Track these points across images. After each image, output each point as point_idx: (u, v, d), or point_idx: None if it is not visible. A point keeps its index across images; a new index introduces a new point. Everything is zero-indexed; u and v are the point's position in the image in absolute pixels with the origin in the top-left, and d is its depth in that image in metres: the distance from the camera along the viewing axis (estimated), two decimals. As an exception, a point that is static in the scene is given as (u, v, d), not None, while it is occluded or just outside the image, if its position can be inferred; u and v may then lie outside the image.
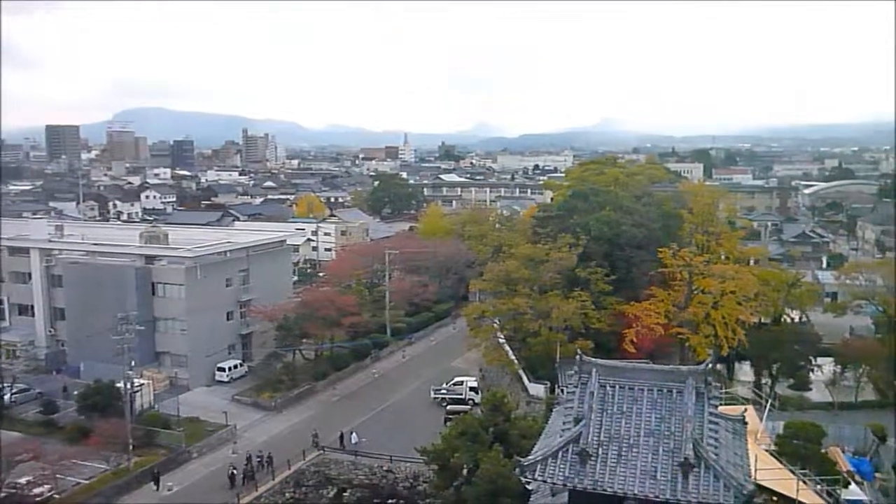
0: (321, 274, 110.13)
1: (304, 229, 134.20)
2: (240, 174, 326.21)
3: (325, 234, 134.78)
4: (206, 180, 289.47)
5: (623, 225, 76.88)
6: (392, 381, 78.22)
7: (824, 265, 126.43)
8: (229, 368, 75.69)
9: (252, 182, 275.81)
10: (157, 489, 54.07)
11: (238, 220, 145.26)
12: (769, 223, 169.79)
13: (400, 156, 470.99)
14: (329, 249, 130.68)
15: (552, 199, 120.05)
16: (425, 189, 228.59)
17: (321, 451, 60.24)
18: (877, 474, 53.18)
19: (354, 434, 62.13)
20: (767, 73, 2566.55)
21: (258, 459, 57.47)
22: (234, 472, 55.53)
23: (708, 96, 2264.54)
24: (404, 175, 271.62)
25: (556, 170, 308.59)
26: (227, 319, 78.52)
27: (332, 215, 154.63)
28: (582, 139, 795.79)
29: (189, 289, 74.12)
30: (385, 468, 58.13)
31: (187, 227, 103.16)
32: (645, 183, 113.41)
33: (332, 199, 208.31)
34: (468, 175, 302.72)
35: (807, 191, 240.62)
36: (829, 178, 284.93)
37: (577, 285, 71.11)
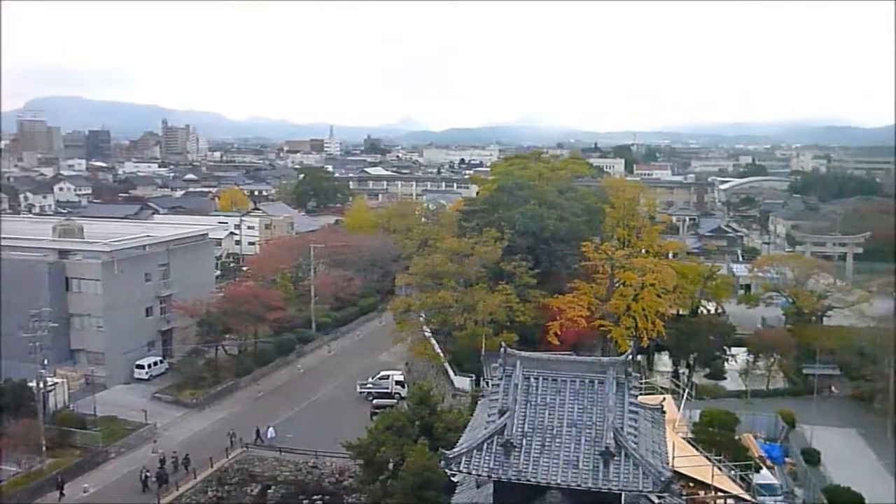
0: (245, 268, 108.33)
1: (227, 223, 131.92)
2: (159, 166, 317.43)
3: (249, 227, 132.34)
4: (124, 172, 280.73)
5: (547, 219, 78.03)
6: (317, 376, 77.60)
7: (738, 258, 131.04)
8: (149, 366, 73.76)
9: (172, 174, 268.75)
10: (61, 497, 51.48)
11: (158, 213, 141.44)
12: (687, 218, 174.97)
13: (325, 149, 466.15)
14: (253, 243, 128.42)
15: (478, 193, 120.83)
16: (351, 182, 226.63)
17: (245, 449, 59.36)
18: (787, 459, 55.56)
19: (271, 429, 61.31)
20: (686, 72, 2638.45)
21: (173, 460, 55.90)
22: (147, 475, 53.72)
23: (630, 94, 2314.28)
24: (330, 168, 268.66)
25: (481, 164, 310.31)
26: (147, 315, 76.46)
27: (256, 209, 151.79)
28: (507, 134, 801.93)
29: (106, 284, 71.86)
30: (310, 464, 57.68)
31: (104, 221, 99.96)
32: (568, 177, 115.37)
33: (256, 193, 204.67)
34: (394, 169, 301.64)
35: (722, 187, 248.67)
36: (743, 175, 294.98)
37: (502, 279, 71.88)
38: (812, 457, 56.18)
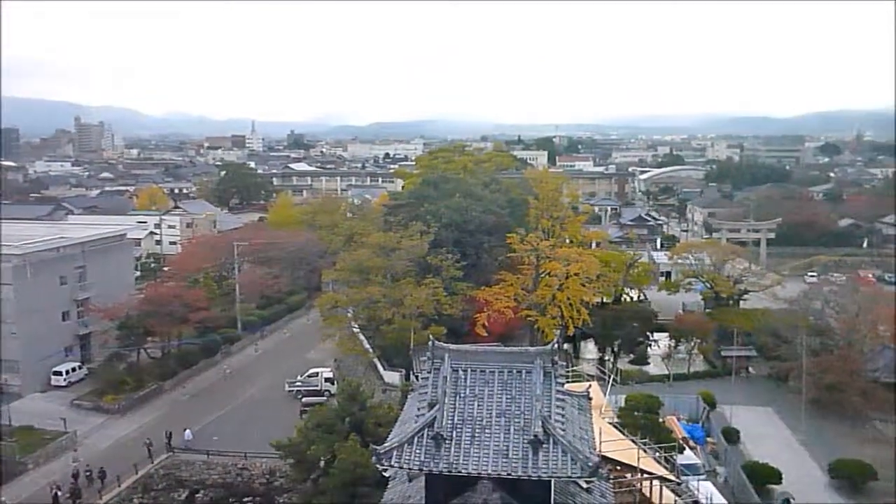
0: (166, 268, 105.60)
1: (146, 222, 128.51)
2: (73, 164, 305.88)
3: (170, 226, 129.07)
4: (35, 171, 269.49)
5: (472, 211, 78.57)
6: (245, 376, 76.36)
7: (658, 246, 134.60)
8: (67, 372, 71.19)
9: (87, 173, 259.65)
10: None
11: (72, 213, 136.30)
12: (609, 208, 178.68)
13: (247, 145, 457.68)
14: (174, 243, 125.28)
15: (403, 187, 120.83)
16: (275, 179, 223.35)
17: (171, 453, 57.99)
18: (708, 439, 57.47)
19: (188, 432, 59.86)
20: (606, 66, 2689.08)
21: (87, 474, 53.71)
22: (58, 491, 51.17)
23: (552, 87, 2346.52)
24: (252, 164, 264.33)
25: (406, 158, 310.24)
26: (63, 320, 73.80)
27: (177, 207, 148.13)
28: (432, 128, 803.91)
29: (18, 289, 68.97)
30: (240, 466, 56.76)
31: (14, 222, 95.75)
32: (493, 170, 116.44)
33: (176, 191, 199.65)
34: (319, 164, 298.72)
35: (642, 176, 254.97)
36: (661, 165, 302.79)
37: (429, 272, 72.07)
38: (732, 435, 58.28)
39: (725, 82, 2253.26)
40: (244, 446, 57.44)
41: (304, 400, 66.43)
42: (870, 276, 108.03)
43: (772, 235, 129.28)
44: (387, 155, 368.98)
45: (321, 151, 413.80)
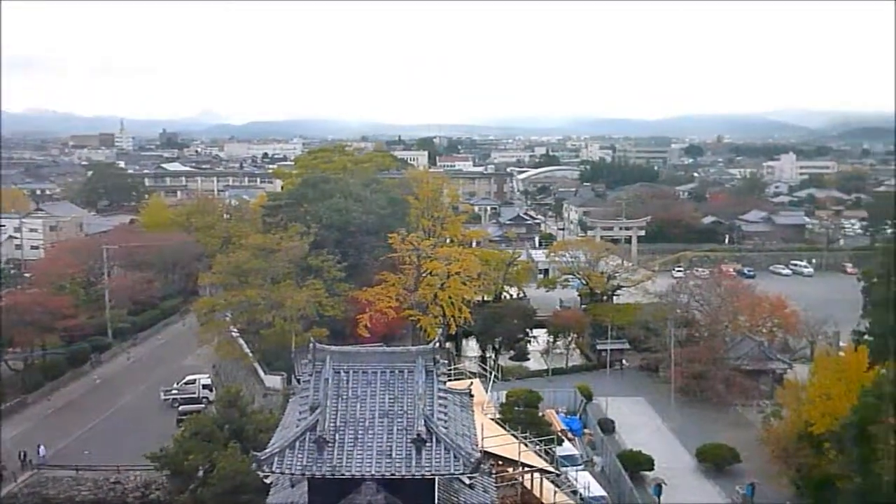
0: (28, 275, 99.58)
1: (4, 226, 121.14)
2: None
3: (31, 230, 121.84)
4: None
5: (353, 212, 78.16)
6: (117, 386, 73.01)
7: (536, 245, 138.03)
8: (-83, 388, 65.99)
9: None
10: None
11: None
12: (488, 207, 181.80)
13: (116, 143, 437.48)
14: (36, 247, 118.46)
15: (282, 187, 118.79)
16: (146, 179, 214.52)
17: (36, 470, 54.72)
18: (585, 430, 59.55)
19: (42, 447, 56.47)
20: (484, 67, 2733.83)
21: None
22: None
23: (433, 87, 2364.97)
24: (122, 164, 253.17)
25: (285, 158, 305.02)
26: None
27: (39, 209, 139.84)
28: (311, 127, 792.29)
29: None
30: (112, 480, 54.20)
31: None
32: (373, 170, 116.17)
33: (39, 192, 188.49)
34: (193, 164, 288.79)
35: (520, 176, 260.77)
36: (538, 165, 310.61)
37: (310, 274, 71.24)
38: (607, 426, 60.57)
39: (595, 85, 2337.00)
40: (117, 459, 54.92)
41: (180, 408, 64.23)
42: (731, 270, 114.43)
43: (642, 233, 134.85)
44: (265, 155, 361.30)
45: (196, 151, 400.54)
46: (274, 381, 67.66)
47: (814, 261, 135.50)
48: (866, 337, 63.26)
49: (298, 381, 37.96)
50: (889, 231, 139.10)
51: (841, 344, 68.84)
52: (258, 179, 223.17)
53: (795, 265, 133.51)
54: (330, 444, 26.26)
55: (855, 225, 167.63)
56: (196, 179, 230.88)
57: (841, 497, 38.66)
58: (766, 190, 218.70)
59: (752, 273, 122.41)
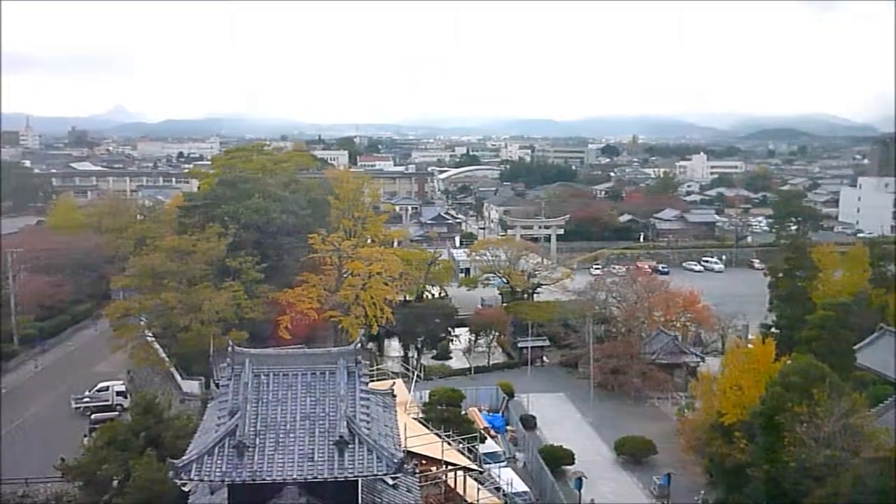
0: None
1: None
2: None
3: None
4: None
5: (273, 212, 76.98)
6: (23, 395, 69.85)
7: (458, 244, 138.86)
8: None
9: None
10: None
11: None
12: (409, 207, 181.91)
13: (21, 142, 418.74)
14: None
15: (199, 187, 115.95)
16: (54, 179, 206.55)
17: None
18: (508, 427, 60.23)
19: None
20: (404, 67, 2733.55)
21: None
22: None
23: (353, 87, 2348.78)
24: (28, 164, 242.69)
25: (202, 157, 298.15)
26: None
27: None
28: (228, 126, 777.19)
29: None
30: (20, 494, 51.78)
31: None
32: (293, 170, 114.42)
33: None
34: (105, 163, 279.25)
35: (441, 176, 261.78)
36: (459, 165, 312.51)
37: (228, 275, 69.81)
38: (529, 422, 61.40)
39: (514, 86, 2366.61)
40: (25, 472, 52.54)
41: (93, 417, 62.01)
42: (646, 267, 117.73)
43: (561, 231, 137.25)
44: (181, 154, 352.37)
45: (107, 150, 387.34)
46: (192, 386, 66.06)
47: (724, 257, 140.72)
48: (773, 329, 66.04)
49: (217, 385, 37.24)
50: (793, 228, 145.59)
51: (750, 336, 71.53)
52: (173, 179, 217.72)
53: (707, 261, 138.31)
54: (250, 449, 25.87)
55: (762, 222, 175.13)
56: (108, 179, 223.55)
57: (751, 484, 40.15)
58: (678, 189, 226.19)
59: (666, 269, 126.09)
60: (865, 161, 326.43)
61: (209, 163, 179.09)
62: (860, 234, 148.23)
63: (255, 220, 75.43)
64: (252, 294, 69.13)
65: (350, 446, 26.17)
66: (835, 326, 51.26)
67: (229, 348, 29.30)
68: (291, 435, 26.63)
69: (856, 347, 55.07)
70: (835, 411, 35.84)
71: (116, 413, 61.39)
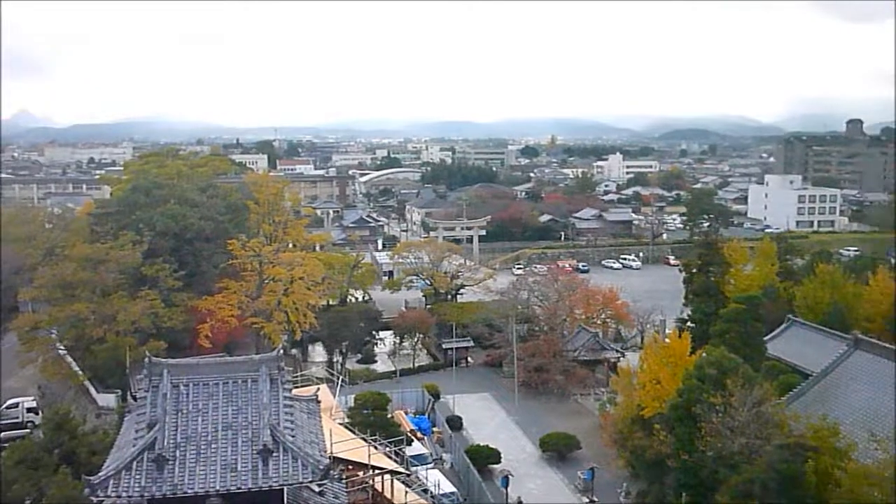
0: None
1: None
2: None
3: None
4: None
5: (189, 218, 75.21)
6: (-76, 416, 66.31)
7: (380, 247, 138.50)
8: None
9: None
10: None
11: None
12: (331, 210, 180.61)
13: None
14: None
15: (111, 194, 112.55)
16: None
17: None
18: (434, 429, 60.35)
19: None
20: (321, 69, 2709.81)
21: None
22: None
23: (271, 90, 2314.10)
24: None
25: (114, 163, 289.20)
26: None
27: None
28: (141, 130, 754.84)
29: None
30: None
31: None
32: (210, 175, 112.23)
33: None
34: (10, 170, 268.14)
35: (362, 179, 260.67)
36: (380, 167, 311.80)
37: (144, 284, 67.83)
38: (455, 423, 61.66)
39: (434, 88, 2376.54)
40: (-73, 497, 49.98)
41: (1, 435, 59.34)
42: (567, 266, 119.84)
43: (483, 232, 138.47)
44: (91, 160, 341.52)
45: (13, 156, 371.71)
46: (107, 399, 63.91)
47: (641, 254, 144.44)
48: (689, 323, 68.07)
49: (134, 398, 36.20)
50: (705, 225, 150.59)
51: (667, 331, 73.57)
52: (84, 186, 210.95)
53: (624, 259, 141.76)
54: (170, 462, 25.25)
55: (676, 220, 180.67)
56: (13, 187, 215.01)
57: (671, 474, 41.30)
58: (596, 188, 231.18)
59: (586, 268, 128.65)
60: (772, 159, 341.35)
61: (121, 168, 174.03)
62: (768, 230, 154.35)
63: (172, 226, 73.55)
64: (170, 303, 67.37)
65: (274, 455, 25.81)
66: (746, 319, 53.08)
67: (146, 359, 28.51)
68: (213, 445, 26.10)
69: (766, 339, 57.22)
70: (747, 401, 37.15)
71: (27, 431, 58.88)
